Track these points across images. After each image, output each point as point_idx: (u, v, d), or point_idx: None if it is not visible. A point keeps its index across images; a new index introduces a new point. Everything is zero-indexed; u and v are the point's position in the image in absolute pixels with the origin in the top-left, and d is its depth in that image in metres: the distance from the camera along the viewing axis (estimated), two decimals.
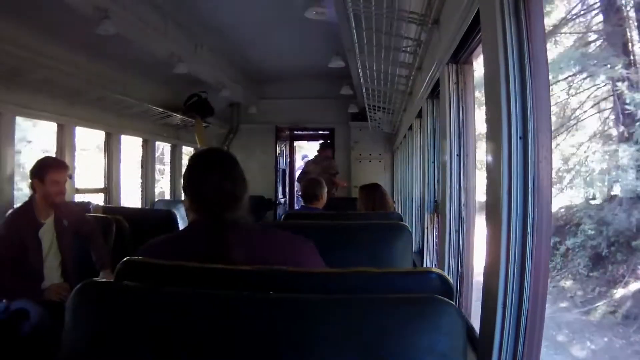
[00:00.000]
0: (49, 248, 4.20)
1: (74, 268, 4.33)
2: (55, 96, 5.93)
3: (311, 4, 5.83)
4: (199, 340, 1.48)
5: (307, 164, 11.17)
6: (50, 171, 4.13)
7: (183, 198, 2.28)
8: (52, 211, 4.24)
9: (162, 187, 12.19)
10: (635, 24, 10.53)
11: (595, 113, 11.40)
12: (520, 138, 1.85)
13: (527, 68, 1.84)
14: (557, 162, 11.26)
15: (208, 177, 2.12)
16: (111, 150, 7.57)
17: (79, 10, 4.79)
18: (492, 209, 2.06)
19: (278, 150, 12.40)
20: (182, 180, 2.24)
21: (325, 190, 5.54)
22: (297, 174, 12.79)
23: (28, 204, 4.21)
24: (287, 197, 13.27)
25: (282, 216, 4.61)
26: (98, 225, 4.62)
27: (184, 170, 2.26)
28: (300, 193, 5.54)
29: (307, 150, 17.25)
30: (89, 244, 4.49)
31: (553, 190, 1.91)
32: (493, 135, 2.07)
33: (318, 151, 11.56)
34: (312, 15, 5.87)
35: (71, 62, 6.09)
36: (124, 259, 1.83)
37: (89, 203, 6.30)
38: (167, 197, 10.20)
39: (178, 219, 5.90)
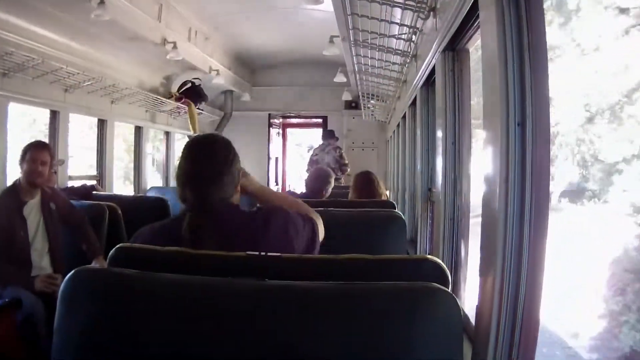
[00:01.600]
0: (36, 230, 4.20)
1: (64, 256, 4.33)
2: (49, 82, 5.89)
3: None
4: (193, 326, 1.48)
5: (315, 152, 11.10)
6: (30, 150, 4.19)
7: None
8: (38, 193, 4.25)
9: None
10: None
11: None
12: (518, 124, 1.84)
13: (526, 53, 1.83)
14: None
15: (185, 161, 2.14)
16: (104, 138, 7.52)
17: None
18: (489, 196, 2.05)
19: (271, 138, 12.41)
20: (176, 168, 2.25)
21: (331, 187, 5.49)
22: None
23: (13, 185, 4.24)
24: (280, 185, 13.27)
25: None
26: (86, 215, 4.61)
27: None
28: (306, 181, 5.47)
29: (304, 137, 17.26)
30: (77, 234, 4.48)
31: None
32: (490, 122, 2.06)
33: (322, 139, 11.53)
34: (307, 2, 5.84)
35: (66, 48, 6.05)
36: (118, 246, 1.82)
37: (92, 187, 6.32)
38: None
39: (170, 206, 5.88)
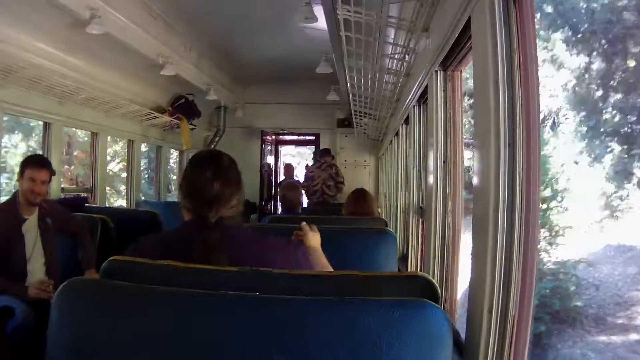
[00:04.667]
0: (33, 246, 4.16)
1: (59, 268, 4.31)
2: (44, 95, 5.90)
3: (301, 10, 5.83)
4: (183, 339, 1.48)
5: (310, 169, 11.11)
6: (28, 168, 4.12)
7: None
8: (36, 208, 4.21)
9: None
10: None
11: None
12: (509, 145, 1.86)
13: (517, 75, 1.85)
14: None
15: (201, 175, 2.14)
16: (97, 150, 7.52)
17: (70, 9, 4.78)
18: (479, 215, 2.07)
19: (263, 154, 12.42)
20: (174, 180, 2.25)
21: (301, 196, 5.68)
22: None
23: (12, 200, 4.19)
24: (272, 201, 13.25)
25: (267, 220, 4.60)
26: (85, 224, 4.59)
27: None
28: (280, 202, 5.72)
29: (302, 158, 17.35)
30: (76, 243, 4.46)
31: None
32: (481, 142, 2.08)
33: (318, 157, 11.55)
34: (301, 21, 5.87)
35: (62, 61, 6.06)
36: (110, 258, 1.82)
37: (85, 198, 6.34)
38: None
39: (162, 220, 5.88)
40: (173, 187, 11.50)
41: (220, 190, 2.11)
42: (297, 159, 17.21)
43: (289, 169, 12.56)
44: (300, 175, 13.93)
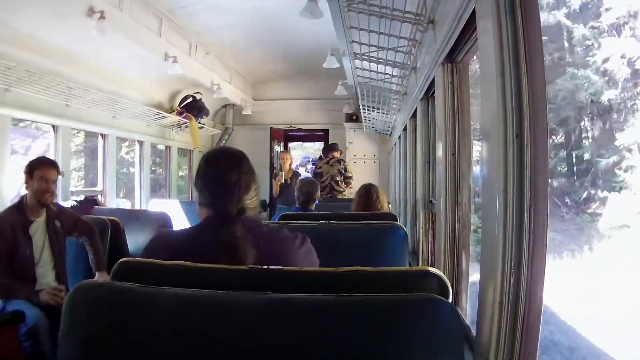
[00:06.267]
0: (41, 248, 4.19)
1: (69, 271, 4.33)
2: (51, 97, 5.92)
3: (306, 5, 5.82)
4: (196, 340, 1.48)
5: (318, 164, 11.03)
6: (38, 168, 4.16)
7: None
8: (44, 211, 4.24)
9: None
10: None
11: None
12: (516, 136, 1.85)
13: (523, 66, 1.85)
14: None
15: (215, 169, 2.16)
16: (106, 152, 7.54)
17: (75, 10, 4.79)
18: (488, 208, 2.06)
19: (273, 151, 12.41)
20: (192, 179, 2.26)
21: (318, 193, 5.64)
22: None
23: (19, 202, 4.21)
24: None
25: (277, 217, 4.61)
26: (95, 227, 4.61)
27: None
28: (297, 194, 5.63)
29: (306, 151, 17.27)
30: (86, 245, 4.48)
31: None
32: (488, 133, 2.07)
33: (325, 152, 11.49)
34: (306, 16, 5.87)
35: (69, 63, 6.08)
36: (120, 260, 1.82)
37: (94, 200, 6.37)
38: None
39: (172, 220, 5.90)
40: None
41: (238, 178, 2.12)
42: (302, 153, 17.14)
43: (285, 157, 10.00)
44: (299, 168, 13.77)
